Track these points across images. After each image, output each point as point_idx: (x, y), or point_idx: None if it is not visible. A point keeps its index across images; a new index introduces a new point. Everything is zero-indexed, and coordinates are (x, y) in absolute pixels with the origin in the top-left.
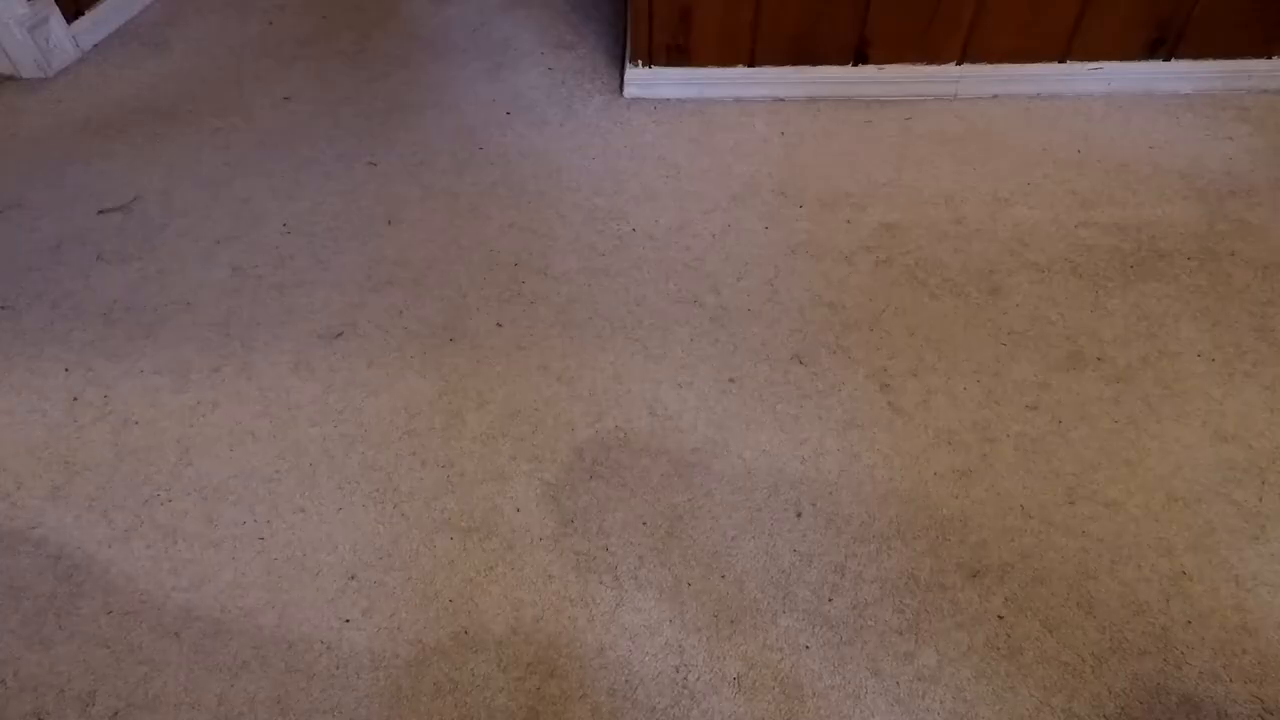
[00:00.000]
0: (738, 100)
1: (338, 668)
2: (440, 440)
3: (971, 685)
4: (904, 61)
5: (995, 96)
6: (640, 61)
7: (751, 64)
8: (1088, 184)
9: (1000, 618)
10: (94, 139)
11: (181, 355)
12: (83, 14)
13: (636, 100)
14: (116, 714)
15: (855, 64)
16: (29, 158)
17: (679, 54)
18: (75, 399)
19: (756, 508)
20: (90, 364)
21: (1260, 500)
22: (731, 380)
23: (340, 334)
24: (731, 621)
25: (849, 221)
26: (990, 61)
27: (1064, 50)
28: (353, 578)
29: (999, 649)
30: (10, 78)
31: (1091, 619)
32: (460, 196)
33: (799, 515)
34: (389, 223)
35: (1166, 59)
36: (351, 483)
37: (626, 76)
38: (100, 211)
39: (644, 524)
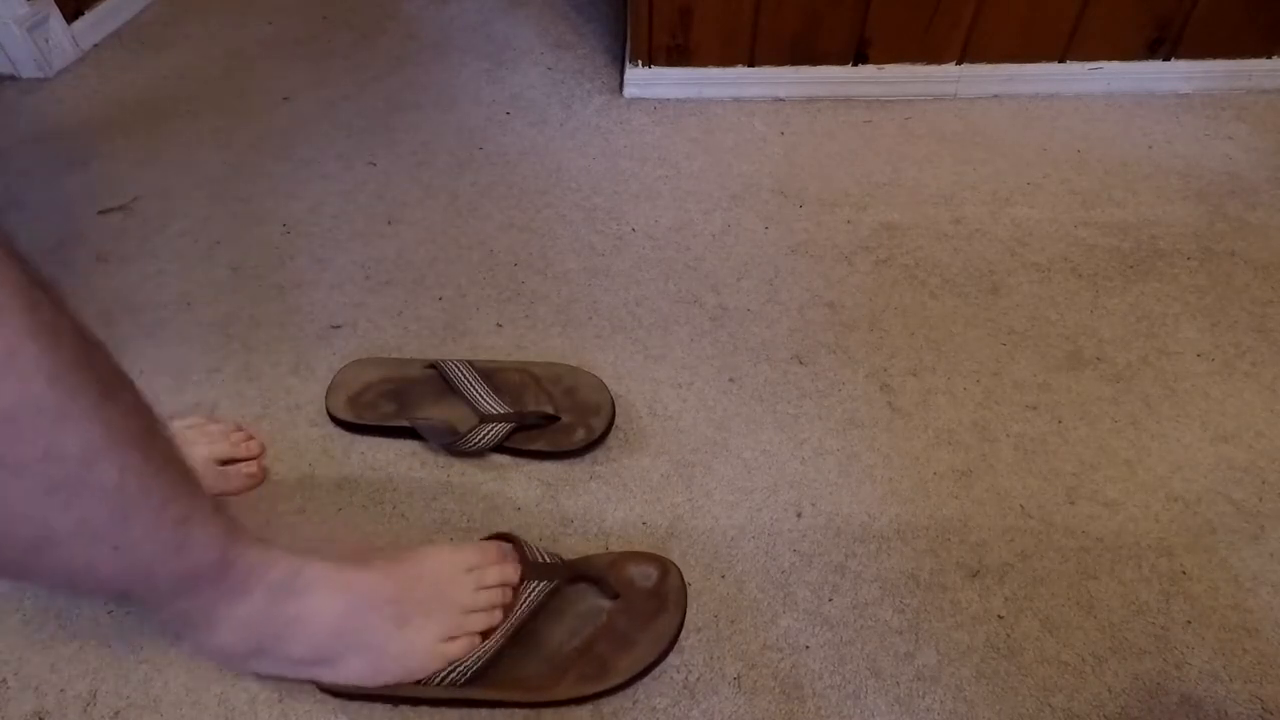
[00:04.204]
0: (737, 100)
1: None
2: None
3: (971, 685)
4: (904, 61)
5: (995, 96)
6: (640, 61)
7: (751, 64)
8: (1087, 184)
9: (1000, 618)
10: (94, 139)
11: (181, 355)
12: (83, 14)
13: (636, 100)
14: (118, 714)
15: (855, 64)
16: (29, 158)
17: (679, 54)
18: None
19: (756, 508)
20: None
21: (1260, 500)
22: (731, 380)
23: (340, 333)
24: (731, 621)
25: (849, 221)
26: (990, 61)
27: (1064, 50)
28: None
29: (999, 649)
30: (10, 78)
31: (1091, 619)
32: (460, 196)
33: (799, 515)
34: (389, 223)
35: (1166, 59)
36: (350, 483)
37: (626, 76)
38: (100, 211)
39: (644, 524)
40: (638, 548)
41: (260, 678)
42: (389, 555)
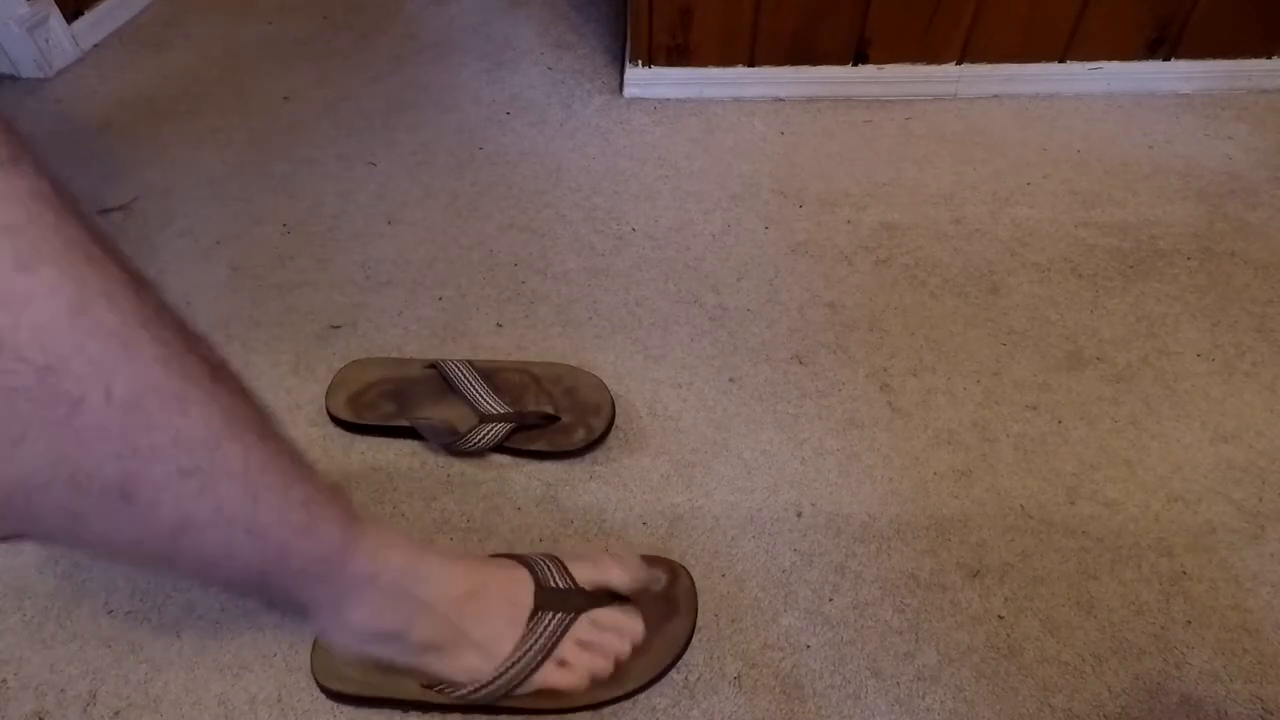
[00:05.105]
0: (737, 100)
1: None
2: None
3: (971, 685)
4: (904, 61)
5: (995, 96)
6: (640, 61)
7: (751, 64)
8: (1087, 184)
9: (1000, 618)
10: (94, 139)
11: None
12: (83, 14)
13: (636, 100)
14: (118, 714)
15: (855, 64)
16: None
17: (679, 54)
18: None
19: (756, 508)
20: None
21: (1260, 500)
22: (731, 380)
23: (340, 333)
24: (732, 621)
25: (849, 221)
26: (990, 61)
27: (1064, 50)
28: None
29: (999, 649)
30: (10, 78)
31: (1091, 619)
32: (460, 196)
33: (799, 515)
34: (389, 223)
35: (1166, 59)
36: (350, 483)
37: (626, 76)
38: (100, 211)
39: (644, 524)
40: (639, 548)
41: (375, 663)
42: (484, 557)
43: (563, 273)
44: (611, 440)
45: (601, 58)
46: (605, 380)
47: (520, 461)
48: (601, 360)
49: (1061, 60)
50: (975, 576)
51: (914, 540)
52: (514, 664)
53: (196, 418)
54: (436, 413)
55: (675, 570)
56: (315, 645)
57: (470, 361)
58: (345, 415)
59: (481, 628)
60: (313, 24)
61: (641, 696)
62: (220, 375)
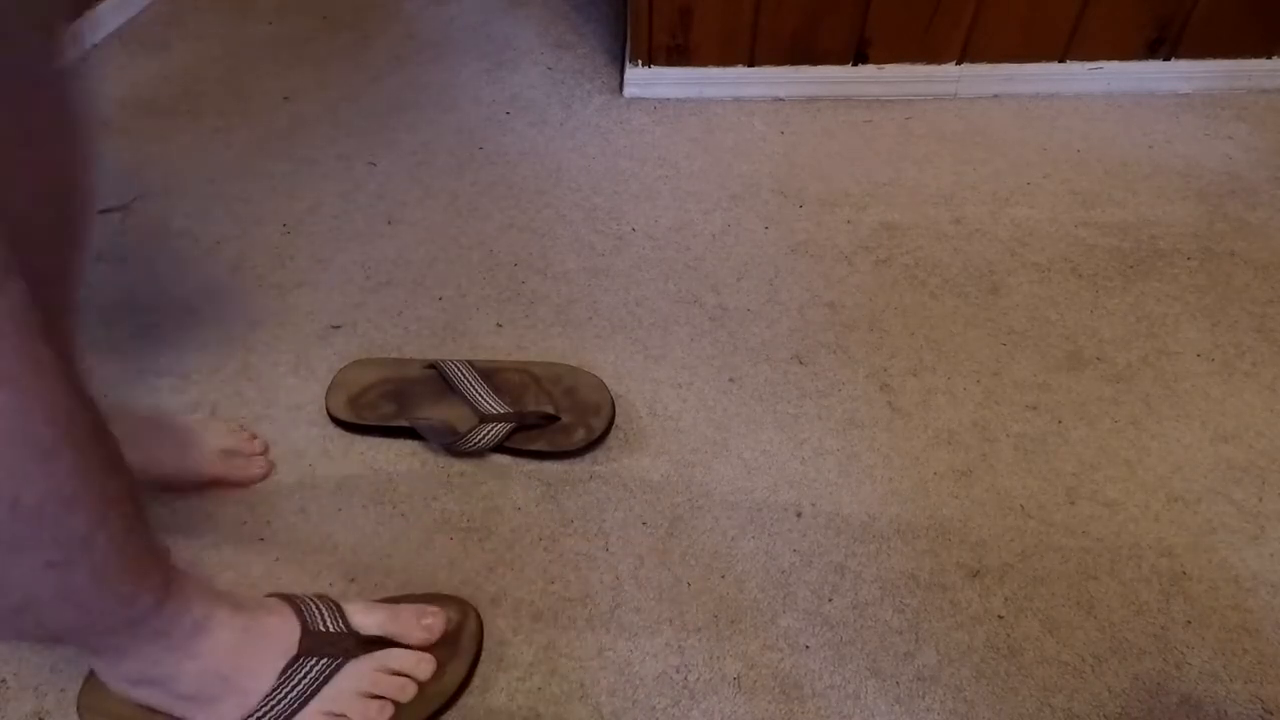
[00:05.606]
0: (737, 100)
1: None
2: None
3: (971, 685)
4: (904, 61)
5: (995, 96)
6: (640, 61)
7: (751, 64)
8: (1087, 184)
9: (1000, 618)
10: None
11: (181, 355)
12: (82, 14)
13: (636, 100)
14: None
15: (855, 64)
16: None
17: (679, 54)
18: None
19: (756, 508)
20: (90, 365)
21: (1260, 500)
22: (731, 380)
23: (340, 333)
24: (731, 621)
25: (849, 221)
26: (990, 61)
27: (1064, 50)
28: (353, 580)
29: (999, 649)
30: None
31: (1091, 619)
32: (460, 196)
33: (799, 515)
34: (389, 223)
35: (1166, 59)
36: (350, 483)
37: (626, 76)
38: (100, 211)
39: (644, 524)
40: (638, 548)
41: (143, 707)
42: (258, 599)
43: (563, 273)
44: (611, 440)
45: (601, 58)
46: (605, 380)
47: (520, 461)
48: (601, 360)
49: (1061, 60)
50: (975, 576)
51: (914, 540)
52: (266, 709)
53: (81, 516)
54: (436, 413)
55: (465, 611)
56: (86, 681)
57: (470, 361)
58: (345, 415)
59: (242, 675)
60: (313, 24)
61: (641, 697)
62: (113, 460)
